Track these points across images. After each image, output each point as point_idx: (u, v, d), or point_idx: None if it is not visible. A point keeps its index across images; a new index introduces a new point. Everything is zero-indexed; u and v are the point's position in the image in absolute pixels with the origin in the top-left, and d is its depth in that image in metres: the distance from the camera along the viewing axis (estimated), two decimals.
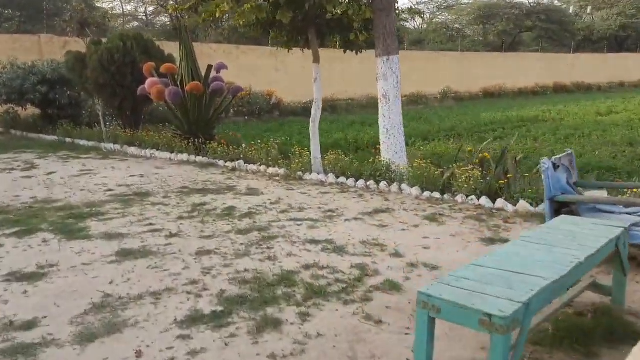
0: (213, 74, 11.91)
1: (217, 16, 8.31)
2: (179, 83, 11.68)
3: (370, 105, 26.71)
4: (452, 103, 30.03)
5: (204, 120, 11.89)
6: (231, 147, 10.88)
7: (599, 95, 31.57)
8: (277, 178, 8.97)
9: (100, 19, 14.79)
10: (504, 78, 33.65)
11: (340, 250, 5.19)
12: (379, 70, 8.47)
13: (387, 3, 8.24)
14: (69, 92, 14.83)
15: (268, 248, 5.31)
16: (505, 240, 5.37)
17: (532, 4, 47.19)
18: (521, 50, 43.86)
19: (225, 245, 5.44)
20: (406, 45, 33.67)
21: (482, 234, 5.65)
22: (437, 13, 48.96)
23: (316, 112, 9.39)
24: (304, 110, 24.42)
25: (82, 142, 13.52)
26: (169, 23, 41.46)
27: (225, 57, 21.75)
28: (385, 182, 7.85)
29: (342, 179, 8.35)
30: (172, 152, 11.41)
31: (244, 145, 11.05)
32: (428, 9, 48.15)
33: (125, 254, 5.20)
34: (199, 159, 10.77)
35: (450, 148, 12.67)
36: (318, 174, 8.77)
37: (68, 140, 13.89)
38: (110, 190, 8.27)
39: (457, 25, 44.60)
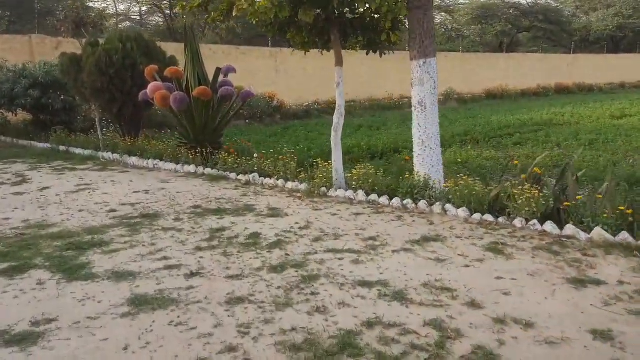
0: (221, 77, 10.91)
1: (234, 14, 7.32)
2: (184, 88, 10.67)
3: (373, 107, 25.79)
4: (455, 104, 29.17)
5: (212, 128, 10.89)
6: (242, 157, 9.92)
7: (602, 97, 30.82)
8: (299, 195, 7.99)
9: (97, 18, 13.70)
10: (506, 79, 32.85)
11: (400, 297, 4.24)
12: (415, 75, 7.53)
13: (425, 0, 7.29)
14: (62, 97, 13.77)
15: (312, 294, 4.34)
16: (596, 282, 4.44)
17: (529, 4, 46.47)
18: (520, 51, 43.11)
19: (260, 289, 4.47)
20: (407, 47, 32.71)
21: (564, 272, 4.71)
22: (435, 13, 48.09)
23: (339, 120, 8.44)
24: (306, 114, 23.45)
25: (78, 151, 12.48)
26: (162, 23, 40.38)
27: (224, 58, 20.74)
28: (424, 201, 6.90)
29: (373, 197, 7.38)
30: (177, 163, 10.41)
31: (256, 155, 10.08)
32: None
33: (139, 303, 4.22)
34: (208, 171, 9.78)
35: (473, 156, 11.77)
36: (345, 190, 7.80)
37: (62, 148, 12.85)
38: (112, 210, 7.27)
39: (455, 25, 43.75)
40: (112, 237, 6.00)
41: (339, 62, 8.52)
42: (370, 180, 7.59)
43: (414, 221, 6.40)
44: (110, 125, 13.51)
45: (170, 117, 11.07)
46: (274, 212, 6.95)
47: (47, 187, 8.87)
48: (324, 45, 9.26)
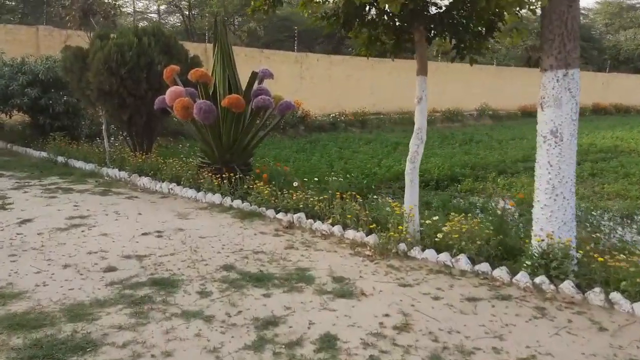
0: (255, 84, 8.68)
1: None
2: (210, 95, 8.45)
3: (402, 122, 23.45)
4: (489, 121, 26.89)
5: (241, 147, 8.66)
6: (276, 183, 7.70)
7: None
8: (367, 251, 5.72)
9: (110, 7, 11.51)
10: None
11: None
12: (548, 92, 5.27)
13: None
14: (65, 97, 11.59)
15: None
16: None
17: None
18: None
19: None
20: (439, 58, 30.48)
21: None
22: None
23: (418, 148, 6.22)
24: (332, 126, 21.15)
25: (78, 164, 10.28)
26: (179, 24, 38.39)
27: (247, 62, 18.49)
28: (570, 283, 4.60)
29: (482, 267, 5.11)
30: (198, 190, 8.18)
31: (296, 184, 7.84)
32: None
33: None
34: (238, 203, 7.53)
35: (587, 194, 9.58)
36: (434, 252, 5.53)
37: (60, 159, 10.65)
38: (110, 269, 5.03)
39: None
40: (104, 331, 3.75)
41: (423, 69, 6.33)
42: (477, 241, 5.29)
43: (570, 322, 4.10)
44: (120, 133, 11.34)
45: (190, 125, 8.87)
46: (343, 288, 4.68)
47: (29, 220, 6.66)
48: (395, 47, 7.05)
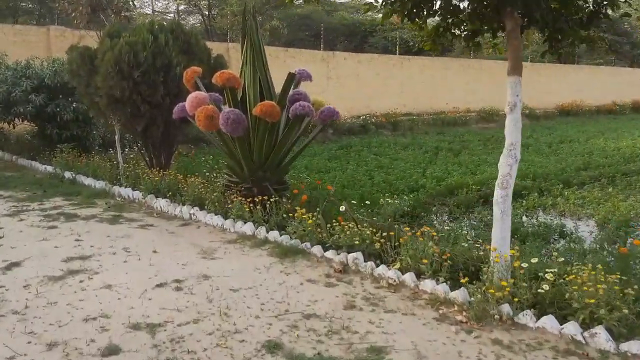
0: (291, 89, 7.21)
1: None
2: (239, 101, 7.00)
3: (436, 123, 21.75)
4: (526, 121, 25.01)
5: (275, 163, 7.19)
6: (317, 210, 6.23)
7: None
8: (459, 316, 4.18)
9: (122, 2, 10.09)
10: (579, 93, 28.56)
11: None
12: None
13: None
14: (74, 104, 10.24)
15: None
16: None
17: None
18: (582, 63, 38.63)
19: None
20: (472, 53, 28.72)
21: None
22: None
23: (511, 170, 4.70)
24: (362, 129, 19.51)
25: (88, 181, 8.90)
26: (199, 25, 37.12)
27: (271, 62, 17.01)
28: None
29: (632, 346, 3.55)
30: (225, 217, 6.72)
31: (343, 208, 6.34)
32: None
33: None
34: (275, 236, 6.05)
35: None
36: (557, 322, 3.99)
37: (68, 175, 9.27)
38: (111, 351, 3.57)
39: None
40: None
41: (517, 68, 4.88)
42: (624, 310, 3.73)
43: None
44: (135, 142, 9.96)
45: (214, 137, 7.38)
46: None
47: (17, 264, 5.25)
48: (470, 37, 5.58)
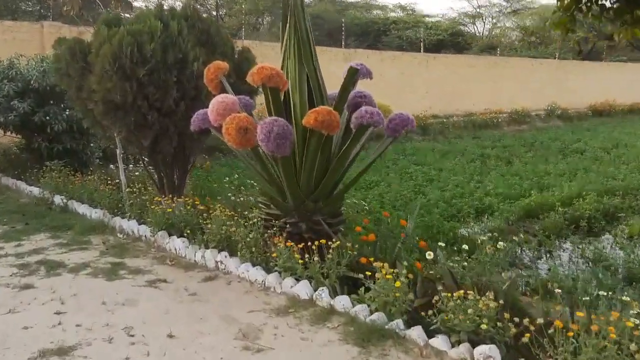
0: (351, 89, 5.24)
1: None
2: (282, 107, 5.03)
3: (467, 127, 19.65)
4: (558, 122, 22.97)
5: (329, 188, 5.22)
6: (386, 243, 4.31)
7: None
8: None
9: None
10: (610, 92, 26.44)
11: None
12: None
13: None
14: (67, 111, 8.30)
15: None
16: None
17: None
18: (605, 60, 36.55)
19: None
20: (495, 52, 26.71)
21: None
22: (501, 18, 41.94)
23: None
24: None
25: (82, 209, 6.95)
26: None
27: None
28: None
29: None
30: (266, 267, 4.75)
31: (431, 255, 4.43)
32: (489, 13, 41.26)
33: None
34: (344, 303, 4.09)
35: None
36: None
37: (58, 200, 7.31)
38: None
39: (536, 31, 37.44)
40: None
41: None
42: None
43: None
44: (140, 159, 8.02)
45: (243, 155, 5.34)
46: None
47: None
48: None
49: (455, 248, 5.49)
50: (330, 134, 4.64)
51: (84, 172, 8.26)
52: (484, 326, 3.39)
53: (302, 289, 4.32)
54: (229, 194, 6.79)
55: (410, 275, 4.01)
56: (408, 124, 5.17)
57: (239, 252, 4.96)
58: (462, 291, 3.66)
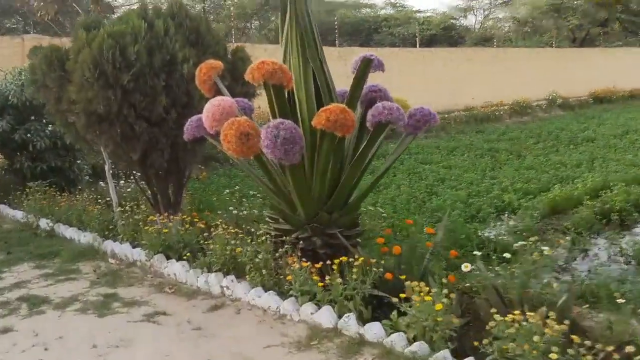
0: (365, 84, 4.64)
1: None
2: (287, 107, 4.43)
3: (469, 121, 19.01)
4: (559, 112, 22.44)
5: (344, 196, 4.63)
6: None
7: None
8: None
9: None
10: (608, 79, 25.92)
11: None
12: None
13: None
14: (50, 127, 7.68)
15: None
16: None
17: None
18: (600, 46, 36.11)
19: None
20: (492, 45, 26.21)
21: None
22: (492, 10, 41.55)
23: None
24: (391, 132, 16.69)
25: (70, 233, 6.32)
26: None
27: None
28: None
29: None
30: (280, 291, 4.14)
31: (467, 268, 3.83)
32: (480, 5, 40.88)
33: None
34: (376, 332, 3.49)
35: None
36: None
37: (44, 224, 6.68)
38: None
39: (530, 19, 36.98)
40: None
41: None
42: None
43: None
44: (131, 175, 7.42)
45: (245, 164, 4.71)
46: None
47: None
48: None
49: (488, 254, 4.93)
50: (344, 136, 4.04)
51: (72, 191, 7.63)
52: (553, 356, 2.79)
53: (325, 316, 3.71)
54: (230, 208, 6.16)
55: (452, 295, 3.41)
56: (430, 119, 4.58)
57: (247, 276, 4.34)
58: (518, 312, 3.06)
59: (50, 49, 5.85)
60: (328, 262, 3.99)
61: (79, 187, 8.08)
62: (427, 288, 3.41)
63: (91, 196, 7.37)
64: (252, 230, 5.30)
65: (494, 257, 4.69)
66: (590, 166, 10.04)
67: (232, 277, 4.43)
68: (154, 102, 5.45)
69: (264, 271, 4.24)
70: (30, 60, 6.11)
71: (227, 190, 7.29)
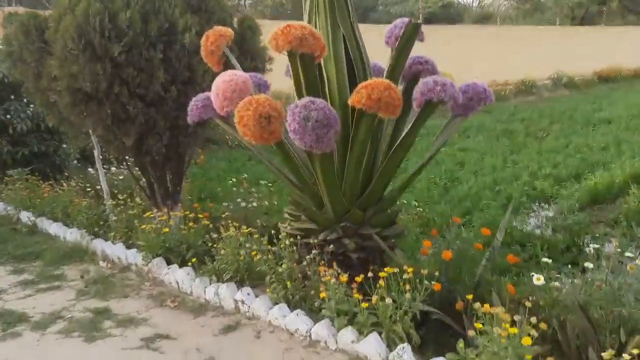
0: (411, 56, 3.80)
1: None
2: (316, 83, 3.58)
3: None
4: (565, 91, 21.63)
5: (379, 191, 3.82)
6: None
7: None
8: None
9: None
10: (614, 58, 25.11)
11: None
12: None
13: None
14: (32, 106, 6.79)
15: None
16: None
17: None
18: (602, 24, 35.24)
19: None
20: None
21: None
22: None
23: None
24: None
25: (54, 229, 5.49)
26: None
27: None
28: None
29: None
30: (308, 311, 3.34)
31: (540, 279, 3.04)
32: None
33: None
34: None
35: None
36: None
37: (25, 217, 5.83)
38: None
39: None
40: None
41: None
42: None
43: None
44: (124, 161, 6.56)
45: (260, 151, 3.86)
46: None
47: None
48: None
49: (550, 258, 4.15)
50: (392, 117, 3.23)
51: (57, 179, 6.78)
52: None
53: (371, 345, 2.93)
54: (238, 199, 5.34)
55: (543, 325, 2.63)
56: (486, 97, 3.77)
57: (267, 288, 3.55)
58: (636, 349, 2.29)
59: (28, 16, 4.95)
60: (370, 273, 3.20)
61: (66, 173, 7.23)
62: (507, 315, 2.63)
63: (79, 185, 6.53)
64: (265, 225, 4.53)
65: (550, 261, 3.92)
66: (618, 149, 9.28)
67: (248, 289, 3.64)
68: (150, 78, 4.59)
69: (288, 283, 3.44)
70: (4, 29, 5.18)
71: (233, 179, 6.44)
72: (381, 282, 3.06)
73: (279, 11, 24.16)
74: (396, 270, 3.21)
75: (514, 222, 5.78)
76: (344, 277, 3.18)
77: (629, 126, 11.70)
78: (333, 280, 3.17)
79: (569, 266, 4.15)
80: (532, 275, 3.26)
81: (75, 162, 8.21)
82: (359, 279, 3.20)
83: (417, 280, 3.18)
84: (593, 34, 26.95)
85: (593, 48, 25.58)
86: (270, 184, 6.16)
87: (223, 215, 4.68)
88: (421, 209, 5.39)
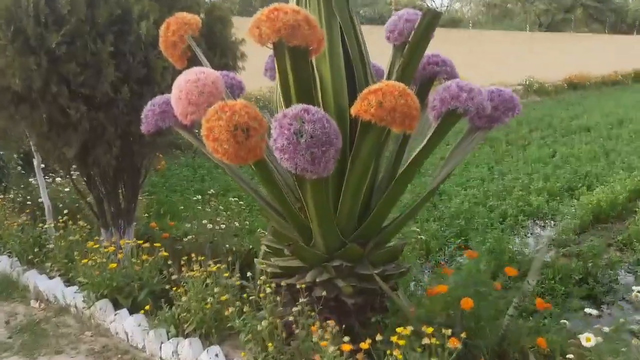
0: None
1: None
2: (310, 87, 2.78)
3: None
4: (536, 97, 21.39)
5: (379, 220, 3.05)
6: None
7: None
8: None
9: None
10: (583, 64, 25.10)
11: None
12: None
13: None
14: None
15: None
16: None
17: None
18: (565, 31, 35.52)
19: None
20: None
21: None
22: None
23: None
24: None
25: None
26: None
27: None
28: None
29: None
30: None
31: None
32: None
33: None
34: None
35: None
36: None
37: None
38: None
39: (497, 2, 36.08)
40: None
41: None
42: None
43: None
44: (68, 174, 5.62)
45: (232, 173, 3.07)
46: None
47: None
48: None
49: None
50: (408, 132, 2.47)
51: None
52: None
53: None
54: (204, 221, 4.49)
55: None
56: (514, 107, 3.04)
57: (243, 347, 2.74)
58: None
59: None
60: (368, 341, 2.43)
61: (4, 183, 6.23)
62: None
63: (19, 197, 5.57)
64: (235, 250, 3.74)
65: (595, 312, 3.23)
66: (607, 160, 8.80)
67: (216, 348, 2.82)
68: (97, 76, 3.72)
69: (269, 345, 2.63)
70: None
71: (198, 196, 5.57)
72: (396, 352, 2.28)
73: (248, 11, 23.19)
74: (409, 328, 2.45)
75: (514, 245, 5.14)
76: (347, 346, 2.39)
77: (610, 135, 11.30)
78: (331, 348, 2.37)
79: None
80: (564, 322, 2.56)
81: (19, 168, 7.19)
82: (365, 345, 2.42)
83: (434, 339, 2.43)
84: (562, 40, 26.96)
85: (562, 55, 25.55)
86: (241, 201, 5.32)
87: (185, 239, 3.85)
88: (422, 237, 4.64)
